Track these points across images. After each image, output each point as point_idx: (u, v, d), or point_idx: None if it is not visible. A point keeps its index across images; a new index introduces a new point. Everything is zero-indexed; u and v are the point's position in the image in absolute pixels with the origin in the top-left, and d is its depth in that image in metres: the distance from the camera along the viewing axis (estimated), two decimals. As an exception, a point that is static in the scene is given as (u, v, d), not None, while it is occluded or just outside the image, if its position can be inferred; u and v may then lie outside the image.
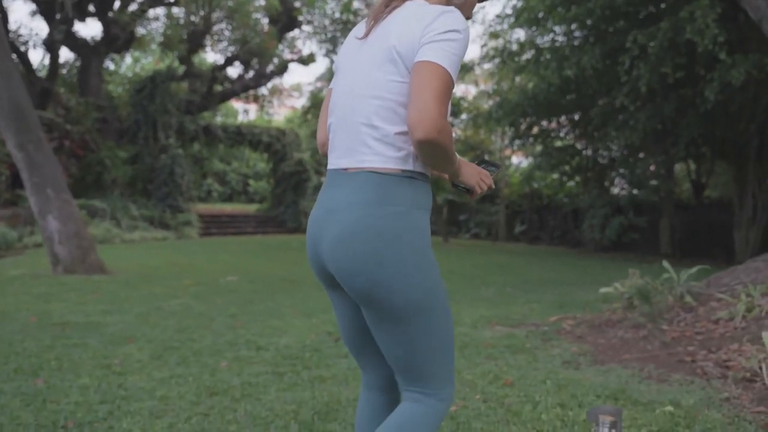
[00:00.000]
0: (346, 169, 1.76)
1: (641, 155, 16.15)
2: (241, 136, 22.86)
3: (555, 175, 19.81)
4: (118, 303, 6.76)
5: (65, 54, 31.88)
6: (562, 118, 17.73)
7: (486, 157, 2.26)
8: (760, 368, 3.57)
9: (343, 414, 3.23)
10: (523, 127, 17.38)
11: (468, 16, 1.89)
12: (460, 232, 21.62)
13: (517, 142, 18.96)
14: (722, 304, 4.93)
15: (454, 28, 1.64)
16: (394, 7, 1.78)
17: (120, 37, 19.96)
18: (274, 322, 5.78)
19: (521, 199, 20.58)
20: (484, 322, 5.77)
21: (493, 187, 2.00)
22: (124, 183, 18.88)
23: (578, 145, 18.18)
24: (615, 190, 18.53)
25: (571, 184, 19.75)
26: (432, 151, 1.63)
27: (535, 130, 17.96)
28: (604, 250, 16.06)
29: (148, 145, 19.46)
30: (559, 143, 18.72)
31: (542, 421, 3.09)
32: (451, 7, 1.70)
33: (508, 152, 21.70)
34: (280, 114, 35.14)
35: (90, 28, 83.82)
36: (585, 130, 16.58)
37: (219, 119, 28.24)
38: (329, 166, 1.84)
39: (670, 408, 3.19)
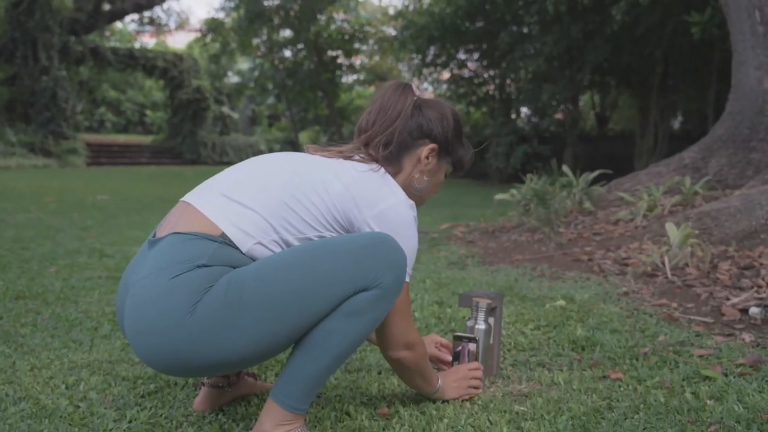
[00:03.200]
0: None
1: (547, 86, 15.89)
2: (134, 60, 21.29)
3: (461, 106, 19.37)
4: (-45, 217, 5.87)
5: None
6: (470, 47, 17.22)
7: (458, 333, 1.89)
8: (663, 262, 3.17)
9: (173, 315, 2.62)
10: (430, 56, 16.78)
11: (422, 202, 1.63)
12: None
13: (425, 71, 18.32)
14: (622, 207, 4.56)
15: (405, 227, 1.40)
16: (344, 158, 1.50)
17: (-6, -56, 18.00)
18: (132, 233, 5.09)
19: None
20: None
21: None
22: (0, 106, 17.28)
23: (486, 75, 17.75)
24: (521, 124, 18.29)
25: (477, 114, 19.38)
26: (402, 369, 1.51)
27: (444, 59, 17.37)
28: (508, 180, 15.85)
29: (27, 66, 17.85)
30: (466, 72, 18.23)
31: (415, 319, 2.58)
32: (401, 195, 1.42)
33: (417, 82, 21.05)
34: (182, 43, 33.12)
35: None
36: (492, 58, 16.15)
37: (113, 44, 26.24)
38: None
39: (561, 302, 2.73)
